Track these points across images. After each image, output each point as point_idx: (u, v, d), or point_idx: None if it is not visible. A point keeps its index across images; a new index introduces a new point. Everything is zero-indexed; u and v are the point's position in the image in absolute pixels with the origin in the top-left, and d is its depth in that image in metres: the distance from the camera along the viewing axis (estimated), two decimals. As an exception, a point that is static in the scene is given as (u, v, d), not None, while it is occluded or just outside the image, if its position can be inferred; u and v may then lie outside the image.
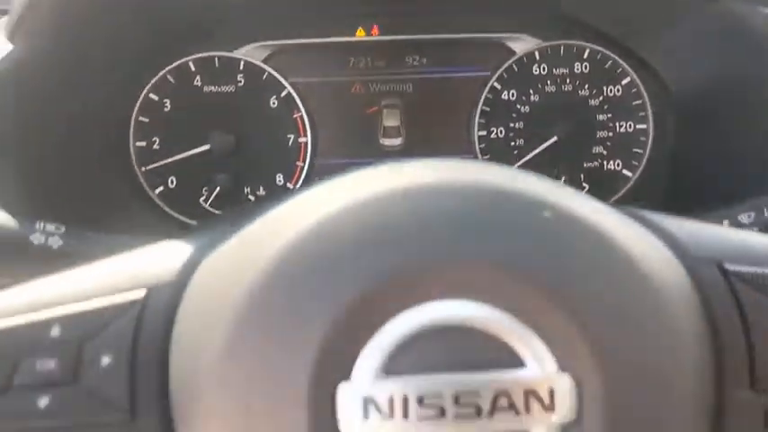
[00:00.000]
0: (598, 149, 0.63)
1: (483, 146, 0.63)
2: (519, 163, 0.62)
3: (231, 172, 0.63)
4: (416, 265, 0.25)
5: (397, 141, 0.63)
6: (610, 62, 0.62)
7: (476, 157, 0.62)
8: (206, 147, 0.62)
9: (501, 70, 0.62)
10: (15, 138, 0.49)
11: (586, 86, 0.62)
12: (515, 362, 0.25)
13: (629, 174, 0.63)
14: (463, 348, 0.25)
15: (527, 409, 0.24)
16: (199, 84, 0.62)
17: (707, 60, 0.57)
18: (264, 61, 0.62)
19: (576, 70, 0.62)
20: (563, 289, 0.25)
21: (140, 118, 0.62)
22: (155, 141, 0.62)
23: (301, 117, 0.63)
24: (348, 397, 0.25)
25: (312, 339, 0.25)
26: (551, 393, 0.25)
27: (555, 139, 0.62)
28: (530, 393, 0.24)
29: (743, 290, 0.29)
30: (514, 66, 0.62)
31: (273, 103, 0.63)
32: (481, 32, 0.63)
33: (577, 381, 0.25)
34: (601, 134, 0.63)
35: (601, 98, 0.62)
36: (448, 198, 0.27)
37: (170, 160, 0.62)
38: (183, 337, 0.28)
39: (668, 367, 0.26)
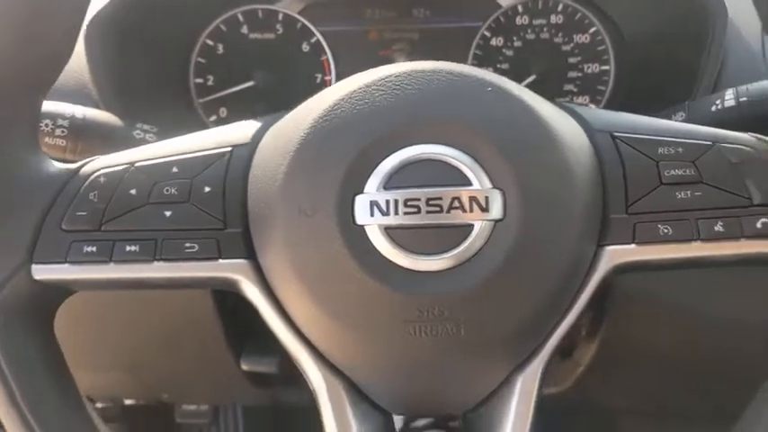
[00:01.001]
0: (569, 87, 0.76)
1: (475, 83, 0.77)
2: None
3: (270, 104, 0.77)
4: (404, 121, 0.40)
5: None
6: (579, 14, 0.75)
7: None
8: (250, 83, 0.76)
9: (490, 21, 0.76)
10: (116, 68, 0.64)
11: (560, 34, 0.76)
12: (465, 181, 0.39)
13: (595, 107, 0.77)
14: (433, 173, 0.40)
15: (471, 209, 0.39)
16: (245, 31, 0.77)
17: (652, 13, 0.71)
18: (299, 13, 0.76)
19: (551, 21, 0.76)
20: (499, 135, 0.40)
21: (198, 59, 0.77)
22: (209, 79, 0.77)
23: (327, 60, 0.77)
24: (361, 202, 0.39)
25: (340, 167, 0.40)
26: (487, 200, 0.39)
27: (534, 77, 0.76)
28: (473, 200, 0.39)
29: (623, 147, 0.43)
30: (501, 17, 0.76)
31: (305, 48, 0.77)
32: None
33: (504, 193, 0.40)
34: (571, 74, 0.76)
35: (572, 44, 0.76)
36: (428, 79, 0.41)
37: (221, 94, 0.76)
38: (256, 175, 0.42)
39: (568, 191, 0.40)
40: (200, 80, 0.77)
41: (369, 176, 0.40)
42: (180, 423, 1.03)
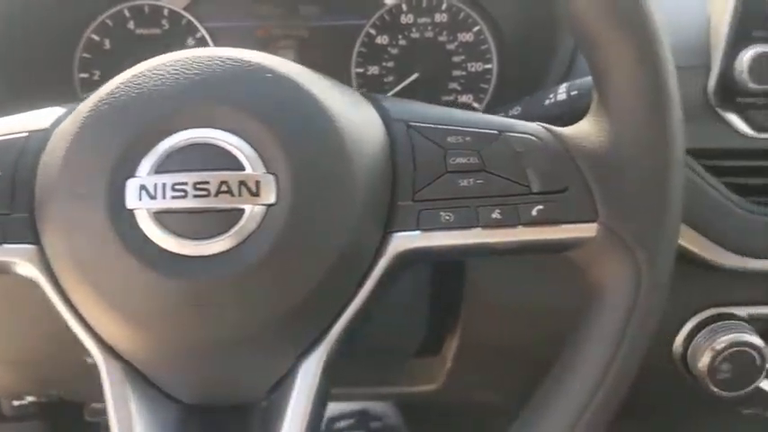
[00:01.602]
0: (453, 85, 0.76)
1: (360, 81, 0.77)
2: (388, 94, 0.76)
3: None
4: (179, 106, 0.40)
5: None
6: (463, 14, 0.76)
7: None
8: None
9: (374, 19, 0.76)
10: None
11: (445, 33, 0.76)
12: (238, 166, 0.39)
13: (478, 105, 0.77)
14: (207, 158, 0.39)
15: (240, 194, 0.39)
16: (132, 27, 0.77)
17: (529, 14, 0.71)
18: (185, 9, 0.77)
19: (436, 20, 0.76)
20: (275, 121, 0.40)
21: (83, 54, 0.77)
22: (95, 74, 0.77)
23: (213, 55, 0.77)
24: (131, 186, 0.39)
25: (112, 151, 0.39)
26: (258, 185, 0.39)
27: (417, 75, 0.76)
28: (242, 184, 0.39)
29: (416, 136, 0.43)
30: (385, 15, 0.76)
31: (191, 44, 0.77)
32: None
33: (278, 178, 0.39)
34: (455, 72, 0.76)
35: (456, 43, 0.76)
36: (207, 64, 0.41)
37: None
38: (46, 160, 0.42)
39: (347, 178, 0.40)
40: (85, 75, 0.77)
41: (141, 161, 0.40)
42: (90, 422, 1.02)
